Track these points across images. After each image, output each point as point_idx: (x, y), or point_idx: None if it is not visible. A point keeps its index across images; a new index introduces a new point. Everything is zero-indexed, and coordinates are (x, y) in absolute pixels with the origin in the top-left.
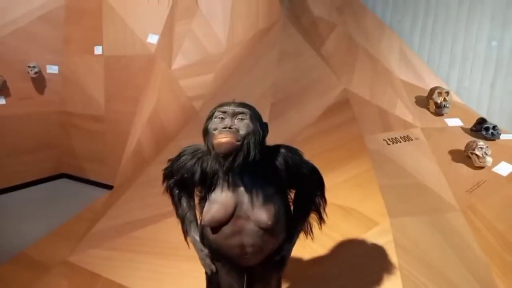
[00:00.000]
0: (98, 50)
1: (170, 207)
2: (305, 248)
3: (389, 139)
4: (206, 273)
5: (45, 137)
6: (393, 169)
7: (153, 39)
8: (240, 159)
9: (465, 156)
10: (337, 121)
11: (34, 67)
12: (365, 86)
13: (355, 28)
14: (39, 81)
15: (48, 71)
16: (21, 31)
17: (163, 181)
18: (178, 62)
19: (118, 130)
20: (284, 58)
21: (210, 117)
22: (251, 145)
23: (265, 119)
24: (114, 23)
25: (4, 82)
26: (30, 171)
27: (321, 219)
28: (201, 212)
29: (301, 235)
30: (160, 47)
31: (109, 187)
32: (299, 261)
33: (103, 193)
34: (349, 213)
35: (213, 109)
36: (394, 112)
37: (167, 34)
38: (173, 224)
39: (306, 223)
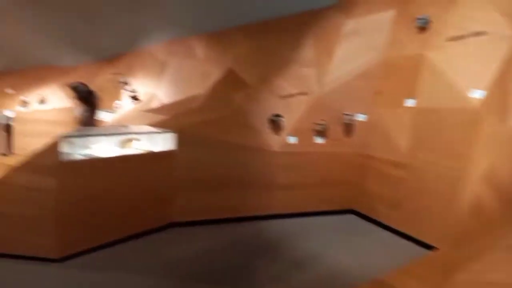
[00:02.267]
0: (408, 102)
1: None
2: None
3: None
4: None
5: (344, 174)
6: None
7: (476, 94)
8: None
9: None
10: None
11: (349, 115)
12: None
13: None
14: (349, 127)
15: (358, 118)
16: (342, 86)
17: None
18: None
19: (421, 179)
20: None
21: None
22: None
23: None
24: (433, 78)
25: (326, 126)
26: (328, 201)
27: None
28: None
29: None
30: (488, 102)
31: (398, 232)
32: None
33: (391, 237)
34: None
35: None
36: None
37: (497, 89)
38: None
39: None
